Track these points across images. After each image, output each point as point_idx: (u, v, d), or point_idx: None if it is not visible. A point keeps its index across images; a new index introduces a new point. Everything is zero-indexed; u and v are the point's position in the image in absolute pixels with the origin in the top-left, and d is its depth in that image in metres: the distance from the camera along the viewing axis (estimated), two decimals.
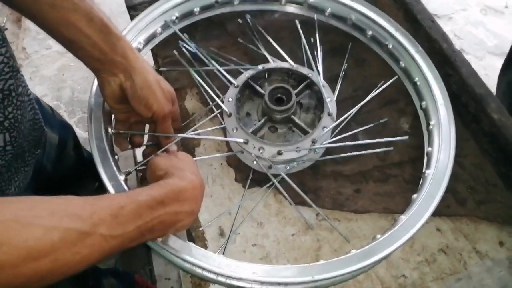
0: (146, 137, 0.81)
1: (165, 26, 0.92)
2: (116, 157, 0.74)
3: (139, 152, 0.80)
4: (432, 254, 0.72)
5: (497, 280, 0.70)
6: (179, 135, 0.77)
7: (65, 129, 1.07)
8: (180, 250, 0.63)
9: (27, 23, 2.33)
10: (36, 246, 0.43)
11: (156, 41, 0.92)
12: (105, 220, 0.49)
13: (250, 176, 0.79)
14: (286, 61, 0.88)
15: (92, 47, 0.64)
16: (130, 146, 0.79)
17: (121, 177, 0.71)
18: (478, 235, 0.74)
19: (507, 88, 1.24)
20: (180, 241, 0.64)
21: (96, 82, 0.75)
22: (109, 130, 0.76)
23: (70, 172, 1.08)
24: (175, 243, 0.63)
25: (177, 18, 0.93)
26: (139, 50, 0.88)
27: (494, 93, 0.84)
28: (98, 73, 0.68)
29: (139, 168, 0.77)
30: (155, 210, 0.54)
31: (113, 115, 0.78)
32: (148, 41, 0.90)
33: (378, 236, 0.67)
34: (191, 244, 0.65)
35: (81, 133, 1.96)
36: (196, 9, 0.94)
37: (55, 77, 2.15)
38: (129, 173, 0.75)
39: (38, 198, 0.47)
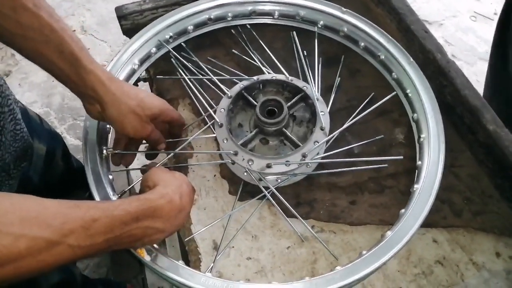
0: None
1: (160, 46, 0.92)
2: (110, 177, 0.75)
3: (133, 172, 0.82)
4: (429, 266, 0.72)
5: None
6: (170, 151, 0.79)
7: (54, 139, 1.05)
8: (167, 269, 0.64)
9: None
10: (2, 254, 0.44)
11: (151, 60, 0.92)
12: (75, 232, 0.49)
13: (240, 188, 0.78)
14: (281, 72, 0.87)
15: (67, 78, 0.66)
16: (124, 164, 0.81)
17: (115, 198, 0.72)
18: (474, 246, 0.74)
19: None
20: (167, 259, 0.65)
21: None
22: (104, 151, 0.78)
23: (58, 183, 1.06)
24: (163, 262, 0.65)
25: (171, 37, 0.92)
26: (134, 70, 0.89)
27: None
28: (81, 99, 0.70)
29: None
30: (127, 225, 0.55)
31: (109, 136, 0.81)
32: (143, 61, 0.90)
33: (364, 252, 0.67)
34: (179, 262, 0.66)
35: (72, 140, 1.94)
36: (190, 27, 0.94)
37: (44, 84, 2.12)
38: (124, 192, 0.76)
39: (10, 201, 0.47)
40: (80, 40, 0.66)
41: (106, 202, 0.68)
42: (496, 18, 1.33)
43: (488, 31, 2.29)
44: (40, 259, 0.46)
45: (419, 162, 0.77)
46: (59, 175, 1.04)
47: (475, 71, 2.10)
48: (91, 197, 0.73)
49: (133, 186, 0.83)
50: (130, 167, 0.83)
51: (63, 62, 0.64)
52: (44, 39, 0.62)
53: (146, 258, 0.65)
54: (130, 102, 0.69)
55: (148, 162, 0.81)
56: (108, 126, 0.81)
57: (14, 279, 0.46)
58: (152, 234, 0.59)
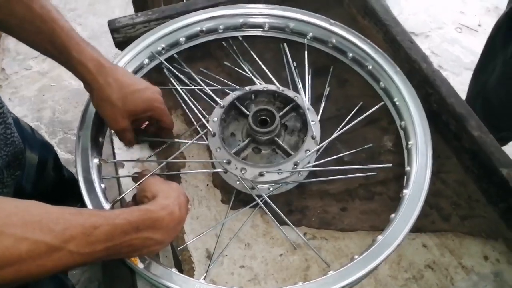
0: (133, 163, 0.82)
1: (152, 57, 0.93)
2: (103, 186, 0.75)
3: (124, 180, 0.81)
4: (419, 271, 0.73)
5: None
6: (163, 160, 0.80)
7: (45, 149, 1.06)
8: (161, 276, 0.64)
9: (6, 44, 2.30)
10: (3, 255, 0.44)
11: (144, 71, 0.93)
12: (76, 238, 0.49)
13: (233, 196, 0.79)
14: (272, 82, 0.89)
15: (61, 65, 0.70)
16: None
17: (107, 206, 0.72)
18: (463, 250, 0.75)
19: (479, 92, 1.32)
20: (161, 267, 0.65)
21: (83, 115, 0.81)
22: (96, 160, 0.78)
23: (51, 193, 1.06)
24: (156, 270, 0.65)
25: (163, 48, 0.94)
26: None
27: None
28: None
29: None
30: (127, 235, 0.55)
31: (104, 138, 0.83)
32: (135, 72, 0.91)
33: (356, 256, 0.68)
34: (172, 270, 0.66)
35: (63, 154, 1.93)
36: (182, 39, 0.95)
37: (35, 98, 2.12)
38: (116, 201, 0.76)
39: (15, 204, 0.47)
40: (71, 29, 0.68)
41: (108, 210, 0.68)
42: (480, 29, 1.38)
43: (473, 42, 2.34)
44: (40, 263, 0.46)
45: (407, 168, 0.79)
46: (51, 185, 1.04)
47: (461, 81, 2.14)
48: (83, 207, 0.73)
49: (123, 196, 0.82)
50: (121, 174, 0.83)
51: (55, 51, 0.68)
52: (37, 30, 0.65)
53: (140, 266, 0.65)
54: (112, 95, 0.71)
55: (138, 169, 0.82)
56: (100, 138, 0.82)
57: (12, 283, 0.46)
58: (151, 245, 0.59)
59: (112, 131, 0.84)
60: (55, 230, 0.47)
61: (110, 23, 0.96)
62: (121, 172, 0.84)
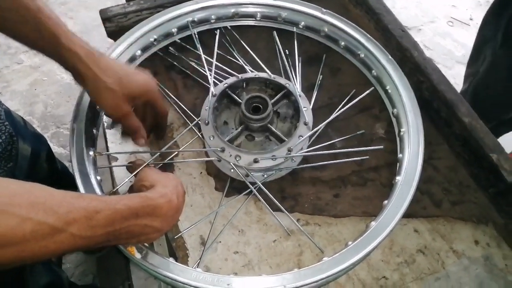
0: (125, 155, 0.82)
1: (145, 48, 0.93)
2: (98, 178, 0.75)
3: (118, 174, 0.81)
4: (411, 255, 0.74)
5: (474, 277, 0.72)
6: (157, 151, 0.80)
7: (38, 140, 1.05)
8: (158, 266, 0.65)
9: None
10: (7, 235, 0.44)
11: (136, 63, 0.92)
12: (79, 221, 0.50)
13: (227, 184, 0.79)
14: (264, 71, 0.89)
15: (50, 56, 0.67)
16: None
17: None
18: (454, 235, 0.76)
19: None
20: (157, 257, 0.65)
21: (76, 107, 0.80)
22: (91, 152, 0.78)
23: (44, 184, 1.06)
24: (153, 259, 0.65)
25: (155, 40, 0.93)
26: None
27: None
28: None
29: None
30: (127, 220, 0.56)
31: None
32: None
33: (350, 242, 0.69)
34: (170, 259, 0.66)
35: (55, 148, 1.93)
36: (174, 30, 0.95)
37: (27, 92, 2.11)
38: (112, 192, 0.76)
39: (20, 185, 0.48)
40: (58, 17, 0.66)
41: (108, 196, 0.68)
42: (472, 23, 1.40)
43: (464, 36, 2.36)
44: (43, 244, 0.47)
45: (400, 155, 0.79)
46: (44, 177, 1.04)
47: (453, 74, 2.16)
48: None
49: (117, 189, 0.82)
50: (114, 164, 0.83)
51: (43, 41, 0.65)
52: (22, 19, 0.63)
53: (137, 256, 0.65)
54: (107, 79, 0.69)
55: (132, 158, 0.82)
56: (94, 130, 0.82)
57: (15, 263, 0.46)
58: (149, 232, 0.60)
59: (112, 128, 0.84)
60: (58, 212, 0.48)
61: (102, 12, 0.96)
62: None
